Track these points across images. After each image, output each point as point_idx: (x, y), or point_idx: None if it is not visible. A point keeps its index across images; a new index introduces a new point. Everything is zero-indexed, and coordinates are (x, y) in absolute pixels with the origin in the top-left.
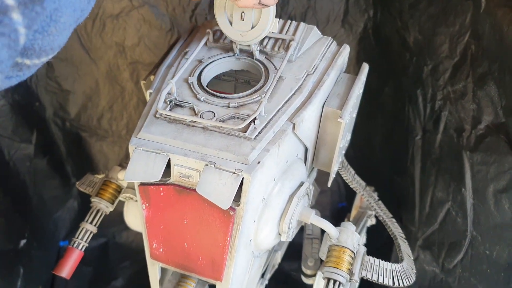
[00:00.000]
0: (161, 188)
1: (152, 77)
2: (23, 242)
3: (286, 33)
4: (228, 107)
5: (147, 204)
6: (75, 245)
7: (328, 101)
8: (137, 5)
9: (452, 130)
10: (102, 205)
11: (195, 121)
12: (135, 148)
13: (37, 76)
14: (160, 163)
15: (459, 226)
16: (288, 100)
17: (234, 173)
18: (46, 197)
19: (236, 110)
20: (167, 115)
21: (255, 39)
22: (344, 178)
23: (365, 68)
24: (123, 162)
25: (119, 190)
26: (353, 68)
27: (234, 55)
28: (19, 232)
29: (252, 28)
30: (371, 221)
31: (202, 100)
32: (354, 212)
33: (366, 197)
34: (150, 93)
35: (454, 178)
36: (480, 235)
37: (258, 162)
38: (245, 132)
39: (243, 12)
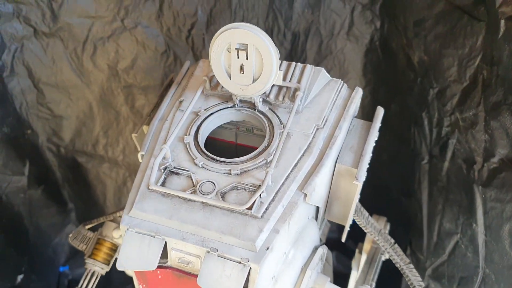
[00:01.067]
0: (158, 272)
1: (144, 127)
2: (20, 277)
3: (290, 79)
4: (230, 174)
5: (144, 285)
6: None
7: (341, 156)
8: (129, 26)
9: (461, 160)
10: (97, 268)
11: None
12: (127, 229)
13: (27, 103)
14: (156, 249)
15: (470, 261)
16: (297, 164)
17: (240, 263)
18: (43, 225)
19: (239, 178)
20: (162, 191)
21: (257, 93)
22: (358, 223)
23: (380, 113)
24: (118, 216)
25: (114, 248)
26: (359, 82)
27: (234, 105)
28: (15, 268)
29: (254, 81)
30: (385, 256)
31: (200, 165)
32: (367, 246)
33: (381, 243)
34: (142, 155)
35: (464, 211)
36: (493, 274)
37: (267, 248)
38: (251, 209)
39: (242, 64)
